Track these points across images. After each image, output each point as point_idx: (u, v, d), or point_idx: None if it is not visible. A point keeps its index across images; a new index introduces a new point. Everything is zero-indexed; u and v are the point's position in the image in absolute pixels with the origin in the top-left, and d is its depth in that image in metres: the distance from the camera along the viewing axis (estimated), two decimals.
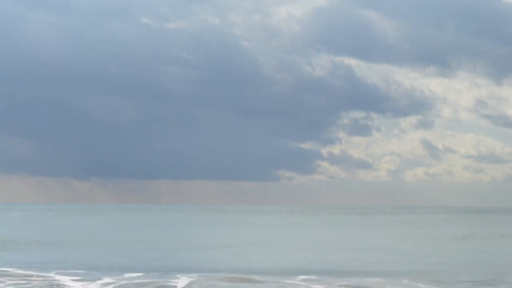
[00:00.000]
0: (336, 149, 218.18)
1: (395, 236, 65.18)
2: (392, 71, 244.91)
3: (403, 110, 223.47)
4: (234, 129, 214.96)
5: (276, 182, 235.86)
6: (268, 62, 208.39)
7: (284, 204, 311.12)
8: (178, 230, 76.18)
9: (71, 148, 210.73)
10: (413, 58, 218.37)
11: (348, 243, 55.30)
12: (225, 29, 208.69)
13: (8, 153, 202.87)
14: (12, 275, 30.37)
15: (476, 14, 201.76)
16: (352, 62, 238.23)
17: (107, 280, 28.99)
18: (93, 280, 28.96)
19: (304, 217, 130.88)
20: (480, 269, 34.93)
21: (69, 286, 27.35)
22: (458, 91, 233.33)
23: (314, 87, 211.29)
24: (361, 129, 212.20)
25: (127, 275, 30.65)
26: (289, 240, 59.05)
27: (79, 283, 28.16)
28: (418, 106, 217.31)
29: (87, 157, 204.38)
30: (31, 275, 30.50)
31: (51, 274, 31.08)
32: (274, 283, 28.66)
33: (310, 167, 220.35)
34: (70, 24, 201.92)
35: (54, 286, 27.39)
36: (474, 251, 47.11)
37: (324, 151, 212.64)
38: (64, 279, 29.22)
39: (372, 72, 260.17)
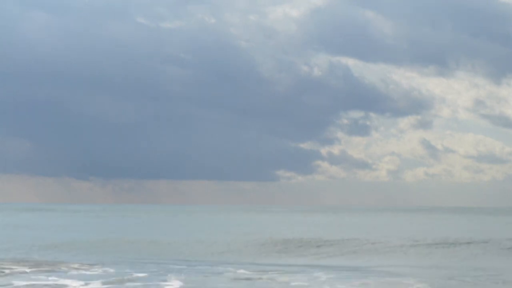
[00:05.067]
0: (335, 149, 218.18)
1: None
2: (390, 71, 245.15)
3: (402, 110, 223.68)
4: (232, 129, 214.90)
5: (275, 182, 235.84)
6: (266, 62, 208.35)
7: (284, 204, 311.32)
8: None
9: (70, 148, 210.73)
10: (411, 58, 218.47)
11: None
12: (221, 29, 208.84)
13: (7, 153, 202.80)
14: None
15: (474, 14, 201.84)
16: (350, 62, 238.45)
17: None
18: None
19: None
20: None
21: None
22: (456, 91, 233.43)
23: (312, 87, 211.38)
24: (360, 129, 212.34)
25: None
26: None
27: None
28: (416, 106, 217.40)
29: (86, 157, 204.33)
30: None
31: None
32: None
33: (310, 167, 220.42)
34: (67, 24, 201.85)
35: None
36: None
37: (323, 151, 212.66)
38: None
39: (370, 72, 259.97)
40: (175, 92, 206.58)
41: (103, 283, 28.72)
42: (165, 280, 29.46)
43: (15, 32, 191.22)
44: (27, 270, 33.29)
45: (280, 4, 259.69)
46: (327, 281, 29.79)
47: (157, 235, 63.70)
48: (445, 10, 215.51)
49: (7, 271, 32.60)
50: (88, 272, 32.83)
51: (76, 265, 35.80)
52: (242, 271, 33.80)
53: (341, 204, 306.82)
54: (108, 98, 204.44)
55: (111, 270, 33.58)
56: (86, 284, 28.38)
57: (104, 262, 38.23)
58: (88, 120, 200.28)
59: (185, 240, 54.69)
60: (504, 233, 65.10)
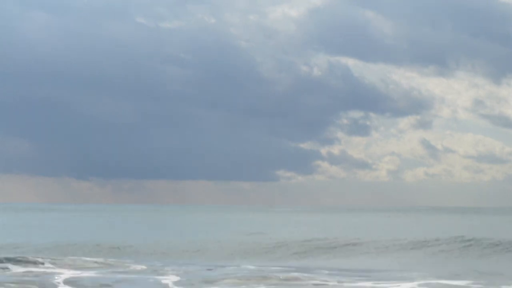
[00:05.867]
0: (335, 149, 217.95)
1: None
2: (390, 71, 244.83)
3: (402, 110, 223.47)
4: (232, 129, 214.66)
5: (275, 182, 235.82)
6: (266, 62, 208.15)
7: (284, 204, 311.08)
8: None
9: (70, 148, 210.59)
10: (411, 58, 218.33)
11: None
12: (221, 29, 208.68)
13: (7, 153, 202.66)
14: None
15: (474, 14, 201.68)
16: (350, 62, 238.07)
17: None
18: None
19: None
20: None
21: None
22: (456, 91, 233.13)
23: (312, 87, 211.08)
24: (360, 129, 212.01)
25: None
26: None
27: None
28: (416, 106, 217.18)
29: (86, 157, 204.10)
30: None
31: None
32: None
33: (310, 167, 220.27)
34: (67, 24, 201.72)
35: None
36: None
37: (323, 151, 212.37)
38: None
39: (370, 72, 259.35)
40: (175, 92, 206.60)
41: (97, 273, 28.68)
42: (162, 274, 29.40)
43: (15, 32, 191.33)
44: (25, 260, 33.31)
45: (279, 4, 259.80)
46: (329, 278, 29.64)
47: (157, 235, 63.69)
48: (445, 10, 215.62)
49: (5, 261, 32.67)
50: (84, 263, 32.82)
51: (73, 257, 35.79)
52: (242, 266, 33.73)
53: (341, 204, 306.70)
54: (108, 98, 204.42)
55: (109, 263, 33.54)
56: (81, 273, 28.35)
57: (103, 258, 38.21)
58: (88, 120, 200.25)
59: (185, 240, 54.62)
60: (508, 233, 64.69)
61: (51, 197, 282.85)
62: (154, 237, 59.43)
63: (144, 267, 32.56)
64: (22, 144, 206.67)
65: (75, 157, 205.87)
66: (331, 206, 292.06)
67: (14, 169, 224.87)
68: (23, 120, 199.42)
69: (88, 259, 35.10)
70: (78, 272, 28.97)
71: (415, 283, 27.22)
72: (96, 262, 33.31)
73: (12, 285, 24.77)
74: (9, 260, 32.96)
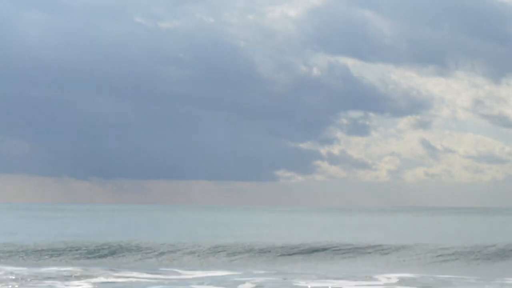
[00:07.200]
0: (335, 149, 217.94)
1: None
2: (389, 70, 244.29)
3: (401, 110, 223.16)
4: (232, 129, 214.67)
5: (275, 182, 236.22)
6: (264, 62, 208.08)
7: (283, 204, 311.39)
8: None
9: (70, 148, 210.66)
10: (410, 57, 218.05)
11: None
12: (220, 29, 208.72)
13: (7, 153, 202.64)
14: None
15: (473, 13, 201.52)
16: (349, 61, 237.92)
17: None
18: None
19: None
20: None
21: None
22: (456, 91, 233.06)
23: (311, 87, 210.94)
24: (360, 129, 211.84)
25: None
26: None
27: None
28: (416, 106, 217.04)
29: (86, 157, 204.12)
30: None
31: None
32: None
33: (309, 167, 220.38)
34: (64, 24, 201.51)
35: None
36: None
37: (323, 151, 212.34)
38: None
39: (369, 72, 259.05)
40: (174, 92, 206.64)
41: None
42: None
43: (13, 32, 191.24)
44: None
45: (278, 4, 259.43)
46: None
47: (156, 236, 63.61)
48: (444, 10, 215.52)
49: None
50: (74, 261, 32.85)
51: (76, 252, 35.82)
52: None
53: (341, 204, 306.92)
54: (107, 98, 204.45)
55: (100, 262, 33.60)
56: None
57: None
58: (88, 120, 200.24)
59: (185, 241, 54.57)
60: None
61: (51, 197, 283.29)
62: (155, 238, 59.43)
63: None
64: (22, 144, 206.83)
65: (75, 157, 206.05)
66: (331, 206, 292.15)
67: (14, 169, 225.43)
68: (23, 120, 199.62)
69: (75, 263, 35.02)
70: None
71: (408, 275, 27.41)
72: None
73: None
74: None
